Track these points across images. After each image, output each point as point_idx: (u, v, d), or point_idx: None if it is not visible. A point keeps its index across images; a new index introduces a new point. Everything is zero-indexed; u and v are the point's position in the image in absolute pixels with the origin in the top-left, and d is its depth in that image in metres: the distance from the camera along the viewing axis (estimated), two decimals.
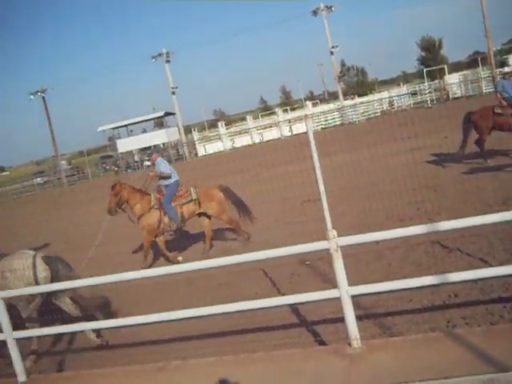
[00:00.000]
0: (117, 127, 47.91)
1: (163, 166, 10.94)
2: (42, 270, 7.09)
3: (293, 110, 57.35)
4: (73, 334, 7.35)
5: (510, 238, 7.37)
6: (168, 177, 10.83)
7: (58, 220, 21.75)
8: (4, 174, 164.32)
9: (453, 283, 5.58)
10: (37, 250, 11.74)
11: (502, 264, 6.52)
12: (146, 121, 50.66)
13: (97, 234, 11.19)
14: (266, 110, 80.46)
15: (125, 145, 46.60)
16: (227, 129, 49.70)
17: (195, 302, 6.83)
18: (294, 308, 6.53)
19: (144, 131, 49.35)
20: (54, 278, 7.06)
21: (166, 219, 10.71)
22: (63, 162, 54.08)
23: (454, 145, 13.18)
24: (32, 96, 51.05)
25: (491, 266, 6.63)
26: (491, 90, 38.63)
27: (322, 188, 4.65)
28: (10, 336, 5.98)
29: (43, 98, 50.82)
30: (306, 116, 4.71)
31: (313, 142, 4.67)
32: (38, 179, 51.10)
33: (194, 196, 10.82)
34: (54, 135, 52.10)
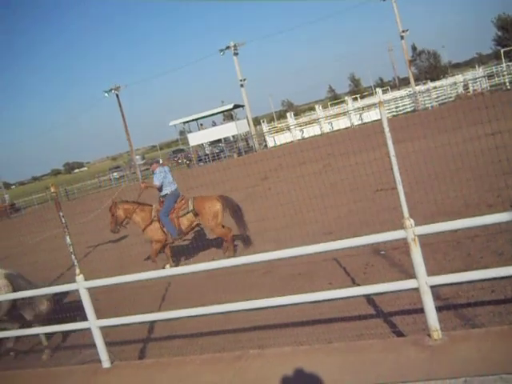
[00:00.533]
0: (187, 121, 48.88)
1: (155, 177, 10.92)
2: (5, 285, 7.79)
3: (362, 97, 56.44)
4: (152, 323, 7.59)
5: None
6: (158, 189, 10.90)
7: None
8: (82, 169, 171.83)
9: None
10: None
11: None
12: (216, 114, 51.37)
13: None
14: (334, 98, 79.65)
15: (195, 138, 47.48)
16: (296, 119, 49.59)
17: (270, 292, 6.87)
18: (369, 299, 6.44)
19: (214, 124, 50.08)
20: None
21: (165, 230, 10.83)
22: (137, 157, 55.94)
23: None
24: (106, 94, 52.88)
25: None
26: None
27: (397, 176, 4.54)
28: (95, 324, 6.26)
29: (117, 95, 52.51)
30: (379, 103, 4.61)
31: (387, 129, 4.56)
32: (115, 174, 53.02)
33: (191, 207, 10.77)
34: (128, 131, 53.74)
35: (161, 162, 11.78)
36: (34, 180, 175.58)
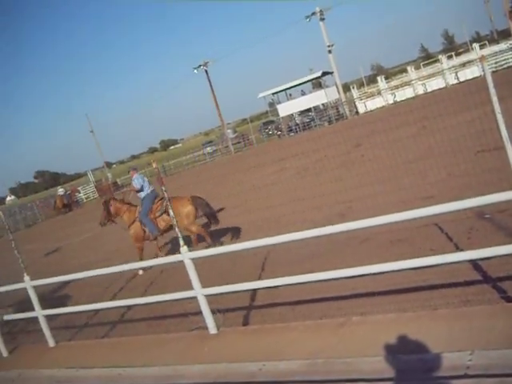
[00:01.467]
0: (276, 92, 48.83)
1: (135, 182, 11.87)
2: None
3: (458, 55, 53.60)
4: (254, 291, 7.78)
5: None
6: (140, 191, 11.83)
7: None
8: (177, 146, 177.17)
9: None
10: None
11: None
12: (304, 83, 50.82)
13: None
14: (427, 58, 76.21)
15: (285, 109, 47.36)
16: (387, 83, 48.05)
17: (370, 259, 6.81)
18: (475, 264, 6.20)
19: (303, 93, 49.59)
20: None
21: (146, 229, 11.72)
22: (229, 131, 56.78)
23: None
24: (196, 70, 53.94)
25: None
26: None
27: (505, 133, 4.29)
28: (200, 293, 6.53)
29: (206, 71, 53.40)
30: (482, 57, 4.35)
31: (491, 85, 4.31)
32: (208, 149, 54.23)
33: (164, 208, 11.33)
34: (219, 106, 54.66)
35: (137, 169, 12.91)
36: (132, 158, 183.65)
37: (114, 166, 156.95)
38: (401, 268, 5.56)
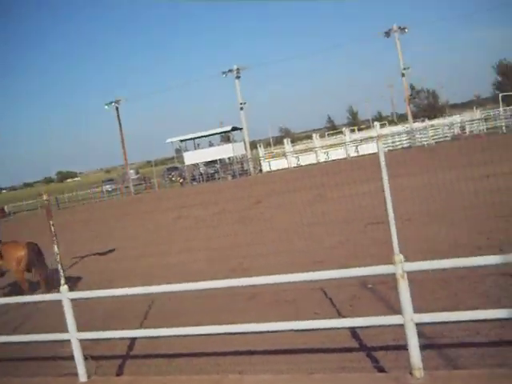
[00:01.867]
0: (185, 140, 49.03)
1: None
2: None
3: (360, 130, 56.96)
4: (134, 339, 7.49)
5: None
6: None
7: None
8: (76, 179, 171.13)
9: None
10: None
11: None
12: (214, 135, 51.61)
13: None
14: (332, 129, 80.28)
15: (192, 157, 47.54)
16: (293, 146, 49.86)
17: (253, 317, 6.82)
18: (354, 332, 6.40)
19: (211, 145, 50.21)
20: None
21: None
22: (131, 171, 55.82)
23: None
24: (107, 106, 53.05)
25: None
26: None
27: (390, 211, 4.56)
28: (75, 336, 6.18)
29: (117, 108, 52.69)
30: (378, 136, 4.65)
31: (383, 163, 4.59)
32: (107, 186, 52.86)
33: None
34: (125, 144, 53.76)
35: None
36: (25, 186, 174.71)
37: (4, 191, 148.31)
38: (283, 329, 5.61)
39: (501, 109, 46.46)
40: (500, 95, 50.51)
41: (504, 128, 40.18)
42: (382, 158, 4.59)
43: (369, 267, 5.01)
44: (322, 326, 5.36)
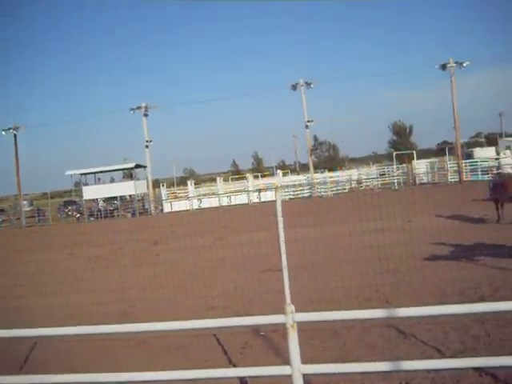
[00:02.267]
0: (85, 173, 47.57)
1: None
2: None
3: (263, 176, 58.28)
4: None
5: (465, 330, 7.41)
6: None
7: None
8: None
9: (406, 371, 5.54)
10: None
11: (454, 355, 6.54)
12: (116, 170, 50.58)
13: None
14: (237, 173, 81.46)
15: (91, 192, 46.14)
16: (196, 187, 49.87)
17: (141, 365, 6.58)
18: (243, 381, 6.33)
19: (112, 180, 49.05)
20: None
21: None
22: (25, 202, 53.10)
23: (417, 229, 13.43)
24: (4, 132, 50.50)
25: (444, 356, 6.62)
26: (456, 179, 40.26)
27: (284, 261, 4.63)
28: None
29: (15, 135, 50.29)
30: (276, 188, 4.74)
31: (280, 214, 4.68)
32: None
33: None
34: (20, 174, 51.16)
35: None
36: None
37: None
38: (168, 378, 5.44)
39: (394, 166, 49.52)
40: (394, 153, 54.01)
41: (396, 185, 42.79)
42: (279, 210, 4.68)
43: (260, 316, 5.04)
44: (210, 376, 5.25)
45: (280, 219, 4.66)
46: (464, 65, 42.96)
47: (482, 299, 8.74)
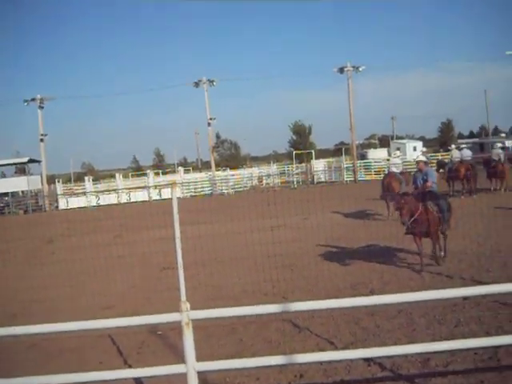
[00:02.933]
0: None
1: None
2: None
3: (165, 173, 57.53)
4: None
5: (356, 322, 7.77)
6: None
7: None
8: None
9: (300, 363, 5.71)
10: None
11: (346, 347, 6.83)
12: (8, 165, 47.77)
13: None
14: (137, 169, 79.85)
15: None
16: (94, 184, 48.28)
17: (33, 369, 6.29)
18: (138, 381, 6.23)
19: (3, 176, 46.30)
20: None
21: None
22: None
23: (312, 226, 13.87)
24: None
25: (336, 348, 6.90)
26: (352, 179, 42.05)
27: (179, 259, 4.60)
28: None
29: None
30: (173, 184, 4.70)
31: (176, 211, 4.64)
32: None
33: None
34: None
35: None
36: None
37: None
38: (63, 382, 5.23)
39: (294, 165, 50.80)
40: (294, 153, 55.40)
41: (295, 183, 43.93)
42: (176, 207, 4.64)
43: (155, 315, 4.97)
44: (103, 378, 5.11)
45: (176, 216, 4.62)
46: (360, 69, 44.91)
47: (372, 293, 9.21)
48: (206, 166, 74.69)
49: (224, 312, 4.94)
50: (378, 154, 53.15)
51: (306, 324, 7.85)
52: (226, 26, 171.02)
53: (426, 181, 11.24)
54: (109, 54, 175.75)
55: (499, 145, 26.63)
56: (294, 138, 79.80)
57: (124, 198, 42.45)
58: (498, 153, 24.34)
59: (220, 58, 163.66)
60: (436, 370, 6.00)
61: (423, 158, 12.49)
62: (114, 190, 44.02)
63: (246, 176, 47.96)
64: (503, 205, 17.84)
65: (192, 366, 4.57)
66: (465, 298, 7.99)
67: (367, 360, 6.25)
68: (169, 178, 50.52)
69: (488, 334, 6.70)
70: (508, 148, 42.35)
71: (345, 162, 46.51)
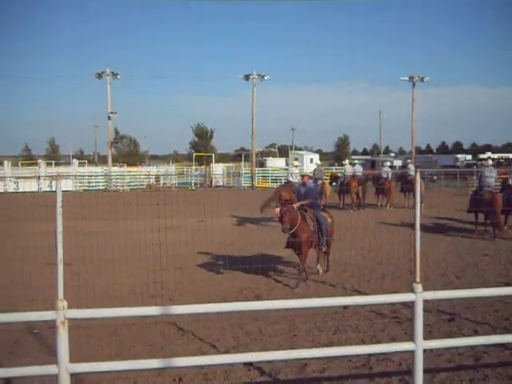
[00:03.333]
0: None
1: None
2: None
3: (58, 165, 55.09)
4: None
5: (240, 326, 7.85)
6: None
7: None
8: None
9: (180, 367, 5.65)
10: None
11: (227, 351, 6.88)
12: None
13: None
14: (29, 158, 75.85)
15: None
16: None
17: None
18: (7, 382, 5.87)
19: None
20: None
21: None
22: None
23: (207, 228, 13.86)
24: None
25: (219, 351, 6.92)
26: (249, 185, 42.59)
27: (60, 254, 4.40)
28: None
29: None
30: (57, 176, 4.48)
31: (59, 205, 4.43)
32: None
33: None
34: None
35: None
36: None
37: None
38: None
39: (193, 167, 50.66)
40: (194, 154, 55.30)
41: (193, 185, 43.75)
42: (59, 199, 4.43)
43: (29, 313, 4.72)
44: None
45: (59, 210, 4.40)
46: (265, 78, 45.71)
47: (257, 298, 9.36)
48: (102, 160, 72.43)
49: (102, 312, 4.78)
50: (276, 163, 54.37)
51: (191, 327, 7.81)
52: (137, 19, 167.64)
53: (306, 197, 11.13)
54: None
55: (388, 163, 28.29)
56: (196, 140, 79.70)
57: (12, 188, 40.06)
58: (386, 171, 25.88)
59: (129, 53, 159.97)
60: (312, 375, 6.20)
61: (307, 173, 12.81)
62: (1, 177, 41.41)
63: (143, 174, 47.01)
64: (388, 220, 18.92)
65: (65, 367, 4.37)
66: (345, 307, 8.39)
67: (247, 364, 6.33)
68: (61, 169, 48.40)
69: (363, 342, 7.04)
70: (396, 167, 45.13)
71: (244, 168, 47.05)
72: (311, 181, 13.08)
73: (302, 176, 11.93)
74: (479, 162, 49.61)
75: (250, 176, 43.89)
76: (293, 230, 10.34)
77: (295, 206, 10.71)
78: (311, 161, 53.87)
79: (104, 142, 55.69)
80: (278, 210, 10.58)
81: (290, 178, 20.46)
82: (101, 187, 42.57)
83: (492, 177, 16.16)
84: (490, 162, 17.75)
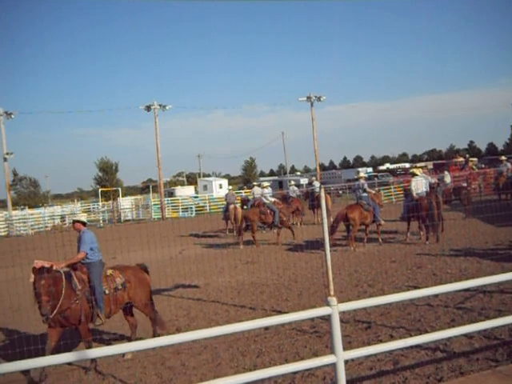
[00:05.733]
0: None
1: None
2: None
3: None
4: None
5: (162, 362, 7.66)
6: None
7: None
8: None
9: None
10: None
11: None
12: None
13: None
14: None
15: None
16: None
17: None
18: None
19: None
20: None
21: None
22: None
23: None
24: None
25: None
26: (159, 216, 41.91)
27: None
28: None
29: None
30: None
31: None
32: None
33: None
34: None
35: None
36: None
37: None
38: None
39: (100, 203, 49.22)
40: (99, 190, 53.79)
41: (101, 222, 42.35)
42: None
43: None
44: None
45: None
46: (167, 107, 45.51)
47: (178, 330, 9.19)
48: (1, 204, 68.67)
49: None
50: (185, 192, 54.08)
51: (111, 370, 7.53)
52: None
53: None
54: None
55: (293, 182, 29.24)
56: (101, 174, 77.70)
57: None
58: (294, 190, 26.68)
59: (20, 89, 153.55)
60: None
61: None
62: None
63: (46, 215, 44.94)
64: (300, 237, 19.29)
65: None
66: (266, 328, 8.43)
67: None
68: None
69: (286, 361, 7.09)
70: (303, 185, 46.37)
71: (152, 199, 46.36)
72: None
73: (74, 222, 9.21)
74: (380, 174, 52.33)
75: (159, 207, 43.24)
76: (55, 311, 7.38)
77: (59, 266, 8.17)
78: (220, 186, 54.13)
79: (1, 185, 52.89)
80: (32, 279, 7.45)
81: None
82: (2, 233, 40.27)
83: (424, 183, 16.83)
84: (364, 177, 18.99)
